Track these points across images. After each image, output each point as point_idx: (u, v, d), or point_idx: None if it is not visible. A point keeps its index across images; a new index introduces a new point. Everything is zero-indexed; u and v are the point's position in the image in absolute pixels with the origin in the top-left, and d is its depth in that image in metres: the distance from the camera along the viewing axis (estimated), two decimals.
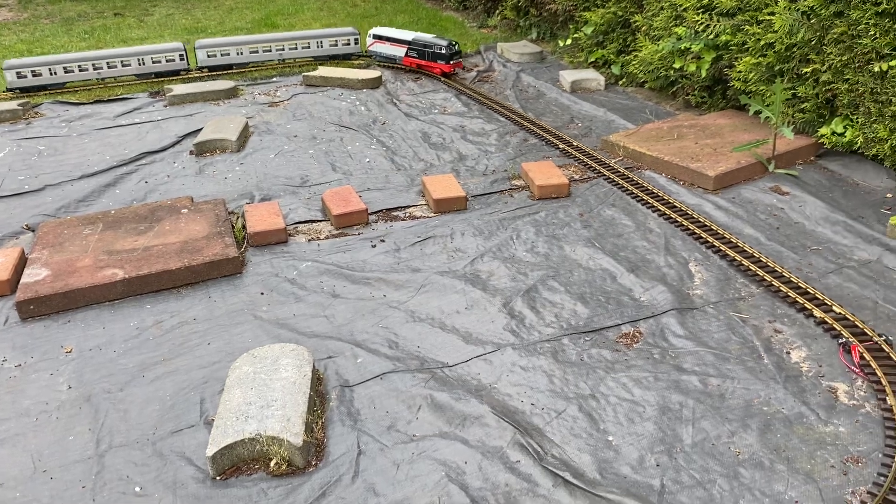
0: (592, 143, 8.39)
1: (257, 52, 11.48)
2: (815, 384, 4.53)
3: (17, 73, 10.50)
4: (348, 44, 11.88)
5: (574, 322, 5.21)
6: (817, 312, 5.11)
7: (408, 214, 6.87)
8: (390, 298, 5.55)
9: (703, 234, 6.19)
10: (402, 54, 11.16)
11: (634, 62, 9.62)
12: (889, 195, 6.71)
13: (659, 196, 6.90)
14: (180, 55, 11.21)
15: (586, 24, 10.71)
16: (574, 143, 8.26)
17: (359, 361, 4.85)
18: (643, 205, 6.84)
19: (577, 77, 10.17)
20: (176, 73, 11.30)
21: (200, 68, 11.45)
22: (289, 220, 6.71)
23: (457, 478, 3.93)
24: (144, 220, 6.47)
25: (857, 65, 6.69)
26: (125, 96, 10.31)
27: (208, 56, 11.32)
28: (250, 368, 4.50)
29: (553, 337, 5.06)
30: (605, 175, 7.46)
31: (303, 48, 11.64)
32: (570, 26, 11.56)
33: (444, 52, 10.68)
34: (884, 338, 4.78)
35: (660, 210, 6.67)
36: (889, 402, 4.27)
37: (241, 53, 11.42)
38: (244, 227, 6.45)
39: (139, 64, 11.05)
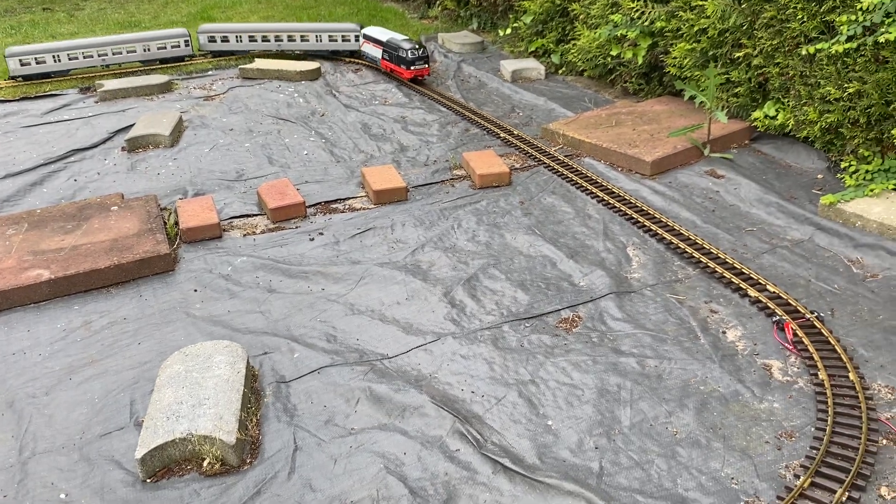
0: (533, 131, 8.39)
1: (257, 40, 11.26)
2: (750, 362, 4.59)
3: (20, 60, 10.11)
4: (348, 40, 11.26)
5: (514, 309, 5.19)
6: (752, 292, 5.19)
7: (347, 206, 6.77)
8: (329, 292, 5.45)
9: (641, 219, 6.23)
10: (380, 56, 10.57)
11: (573, 51, 9.65)
12: (820, 176, 6.86)
13: (598, 182, 6.93)
14: (185, 41, 11.03)
15: (525, 13, 10.71)
16: (515, 132, 8.25)
17: (295, 356, 4.75)
18: (582, 191, 6.86)
19: (517, 66, 10.17)
20: (181, 59, 11.11)
21: (203, 53, 11.33)
22: (223, 214, 6.55)
23: (395, 469, 3.87)
24: (72, 218, 6.23)
25: (786, 48, 6.82)
26: (54, 93, 9.95)
27: (209, 41, 11.15)
28: (182, 367, 4.36)
29: (493, 324, 5.03)
30: (545, 163, 7.47)
31: (302, 40, 11.29)
32: (510, 16, 11.56)
33: (406, 55, 9.91)
34: (816, 314, 4.87)
35: (599, 196, 6.70)
36: (821, 377, 4.35)
37: (241, 41, 11.22)
38: (177, 223, 6.26)
39: (144, 51, 10.79)
